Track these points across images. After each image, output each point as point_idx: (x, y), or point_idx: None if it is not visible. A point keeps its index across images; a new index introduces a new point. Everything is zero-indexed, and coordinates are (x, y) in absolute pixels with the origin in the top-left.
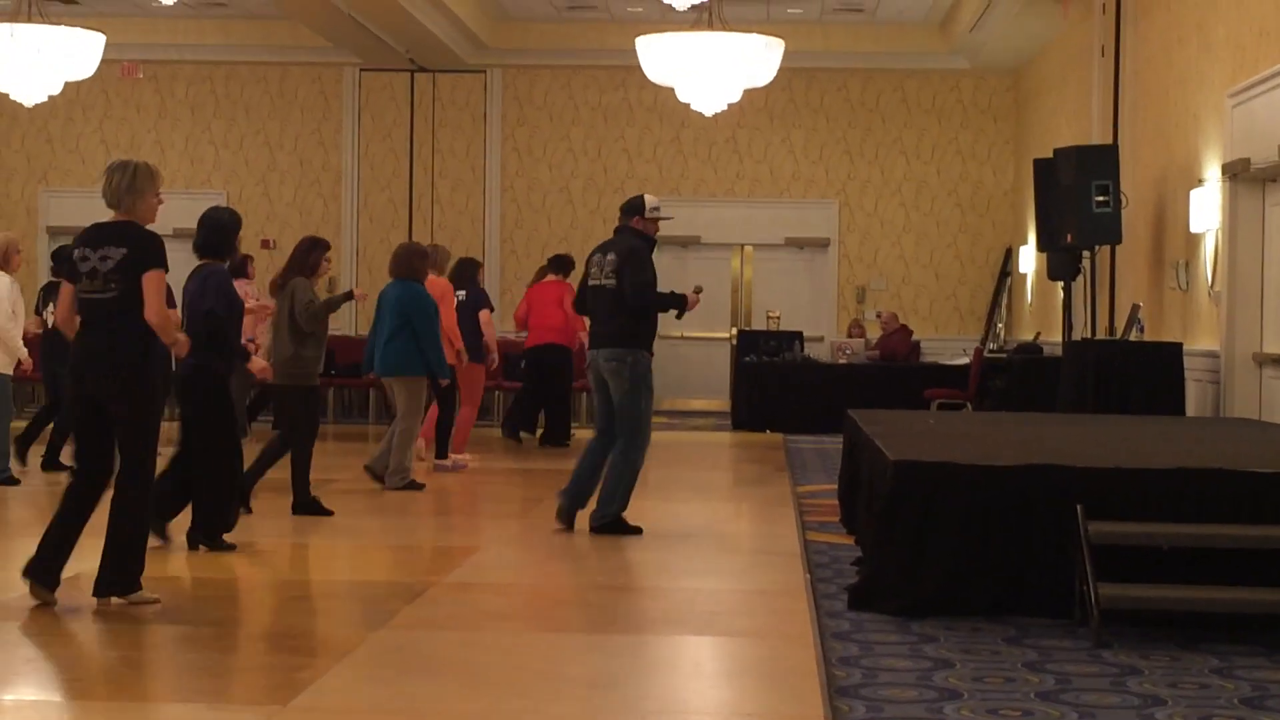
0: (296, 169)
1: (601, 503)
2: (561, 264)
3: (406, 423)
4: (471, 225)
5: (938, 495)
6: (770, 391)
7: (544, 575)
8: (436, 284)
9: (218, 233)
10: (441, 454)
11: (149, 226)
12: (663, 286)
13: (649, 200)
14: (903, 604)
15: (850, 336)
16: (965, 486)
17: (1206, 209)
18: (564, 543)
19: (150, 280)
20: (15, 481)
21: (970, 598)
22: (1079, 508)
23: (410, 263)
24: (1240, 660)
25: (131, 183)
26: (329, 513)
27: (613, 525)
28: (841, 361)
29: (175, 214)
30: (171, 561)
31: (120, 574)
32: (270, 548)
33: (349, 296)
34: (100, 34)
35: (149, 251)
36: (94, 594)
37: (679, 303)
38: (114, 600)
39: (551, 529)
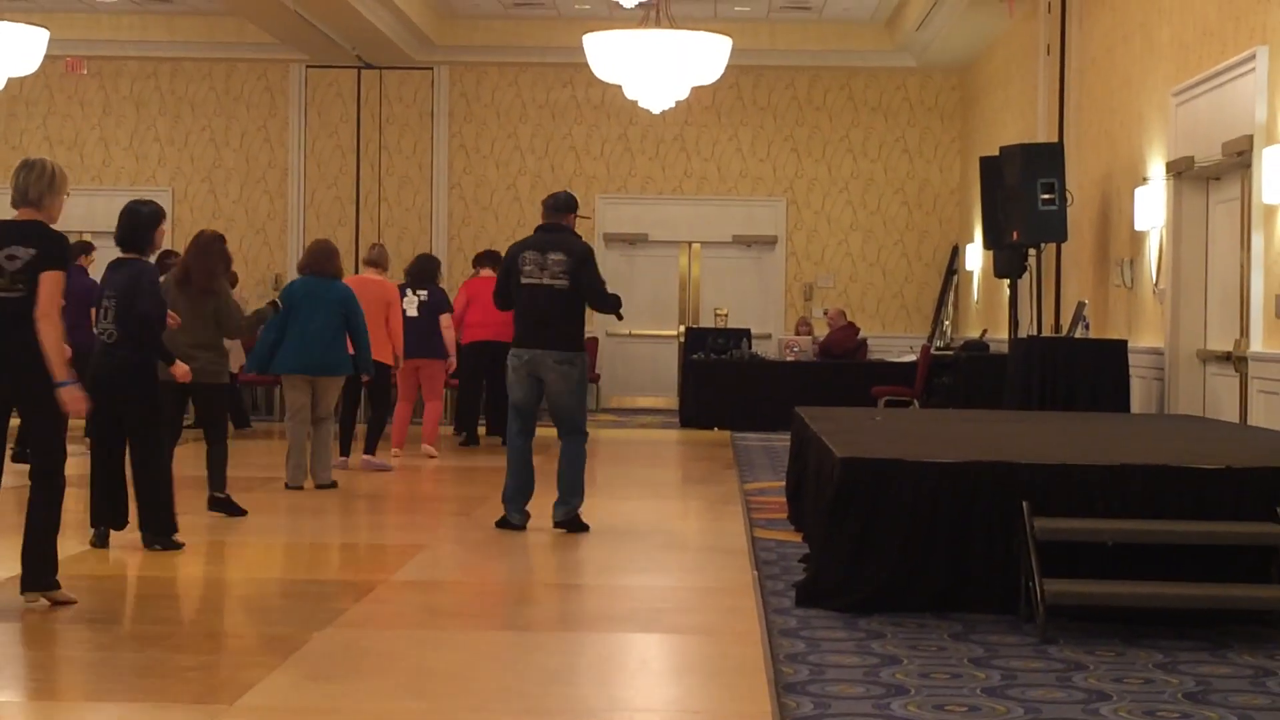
0: (242, 166)
1: (565, 497)
2: (496, 259)
3: (330, 419)
4: (419, 222)
5: (884, 492)
6: (718, 389)
7: (491, 573)
8: (386, 285)
9: (134, 227)
10: (370, 450)
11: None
12: (610, 285)
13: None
14: (850, 600)
15: (798, 334)
16: (912, 483)
17: (1151, 207)
18: (510, 541)
19: (49, 280)
20: None
21: (917, 594)
22: (1024, 504)
23: (334, 261)
24: (1184, 655)
25: (51, 181)
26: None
27: (577, 521)
28: (789, 359)
29: (119, 211)
30: (114, 561)
31: (46, 570)
32: (213, 546)
33: (275, 308)
34: (44, 29)
35: (56, 253)
36: (21, 591)
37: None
38: (41, 598)
39: (496, 526)
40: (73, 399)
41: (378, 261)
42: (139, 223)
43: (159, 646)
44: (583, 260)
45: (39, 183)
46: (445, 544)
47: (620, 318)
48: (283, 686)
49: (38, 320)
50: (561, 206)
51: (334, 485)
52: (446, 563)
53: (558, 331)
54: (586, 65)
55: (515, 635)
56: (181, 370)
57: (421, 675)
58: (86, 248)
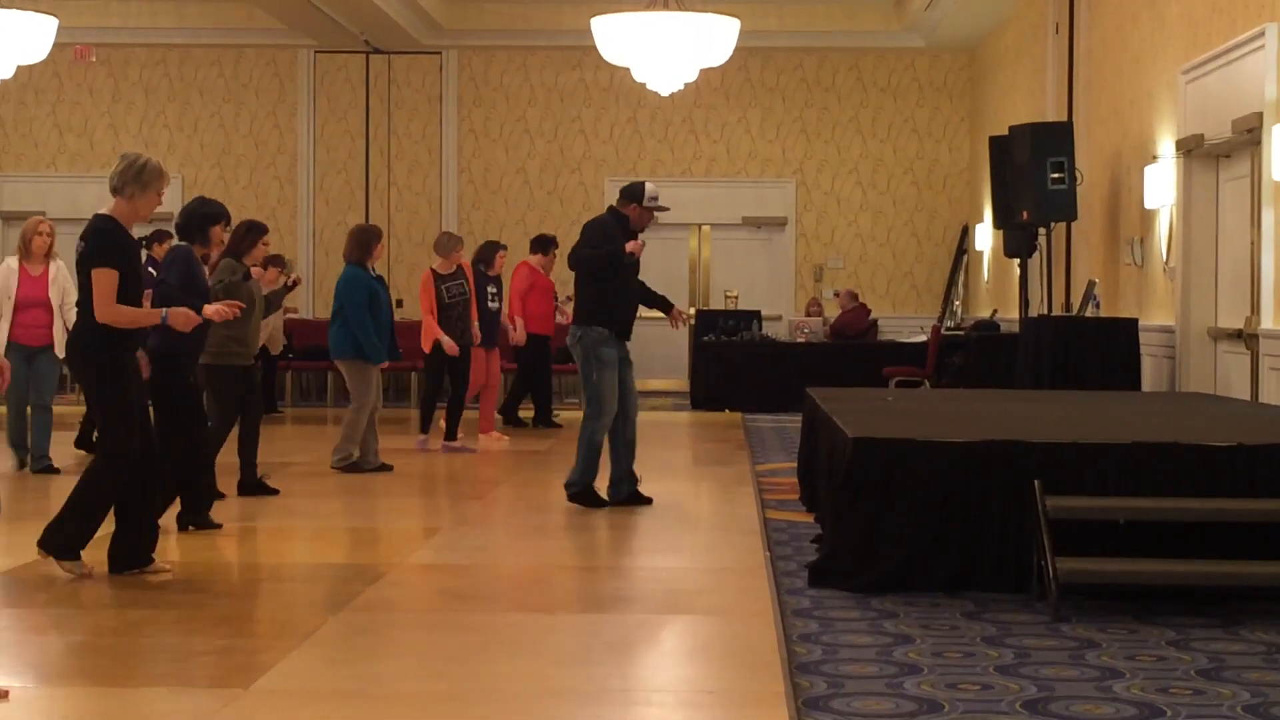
0: (252, 152)
1: (571, 472)
2: (540, 242)
3: (355, 403)
4: (429, 207)
5: (896, 472)
6: (729, 371)
7: (505, 556)
8: (426, 274)
9: (185, 218)
10: (450, 435)
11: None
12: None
13: (650, 189)
14: (862, 580)
15: (808, 315)
16: (923, 463)
17: (1161, 185)
18: (524, 523)
19: (96, 279)
20: (57, 470)
21: (929, 573)
22: (1036, 483)
23: (357, 245)
24: (1197, 632)
25: (139, 174)
26: (274, 491)
27: (581, 495)
28: (800, 340)
29: None
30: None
31: (58, 537)
32: (228, 531)
33: (288, 288)
34: (53, 17)
35: (97, 248)
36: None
37: (615, 258)
38: (50, 560)
39: (512, 509)
40: (177, 317)
41: (435, 248)
42: (187, 215)
43: (175, 631)
44: (584, 229)
45: (125, 173)
46: (460, 527)
47: (626, 278)
48: (299, 670)
49: (103, 321)
50: (620, 194)
51: (357, 469)
52: (461, 546)
53: (576, 305)
54: (595, 48)
55: (530, 617)
56: (211, 309)
57: (436, 657)
58: (162, 236)
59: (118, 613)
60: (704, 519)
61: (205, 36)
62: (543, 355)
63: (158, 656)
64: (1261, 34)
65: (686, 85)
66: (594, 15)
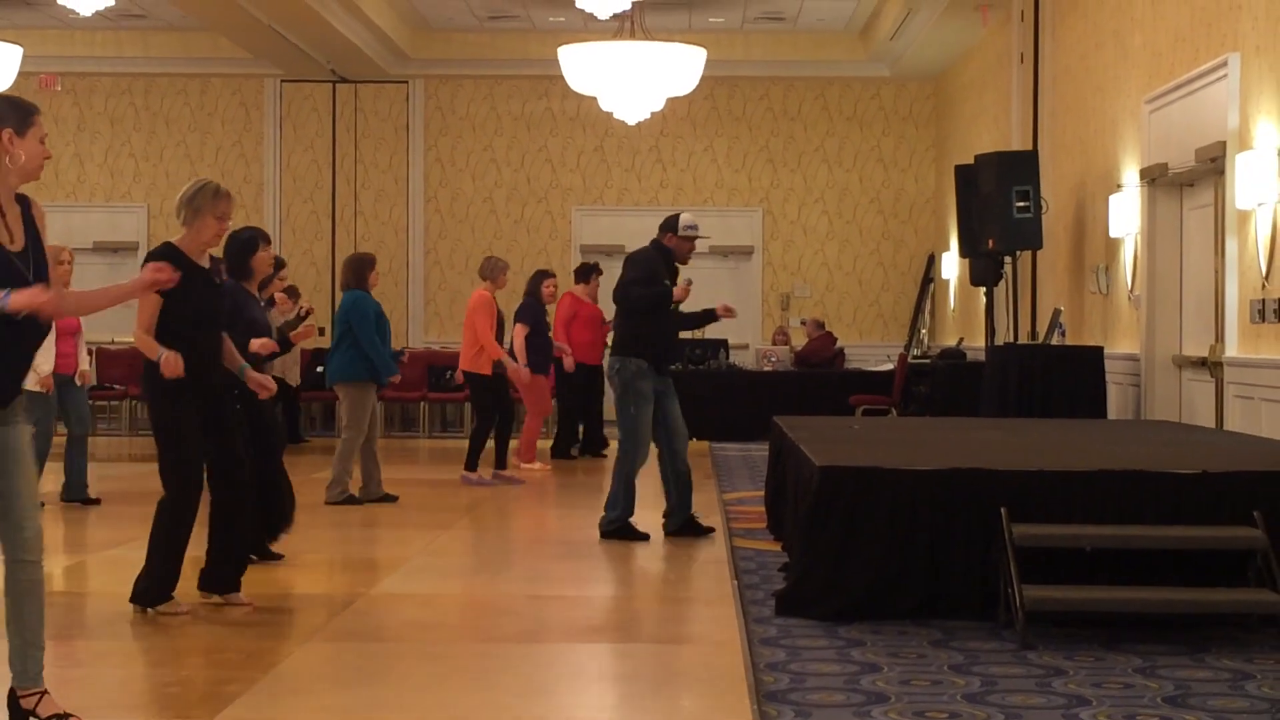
0: (218, 181)
1: (606, 508)
2: (579, 273)
3: (349, 433)
4: (395, 236)
5: (863, 500)
6: (696, 399)
7: (471, 585)
8: (475, 296)
9: (226, 258)
10: (500, 464)
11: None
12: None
13: (684, 219)
14: (830, 609)
15: (775, 344)
16: (890, 491)
17: (1125, 214)
18: (489, 553)
19: (143, 298)
20: (95, 501)
21: (896, 601)
22: (1003, 510)
23: (353, 272)
24: (1163, 659)
25: (192, 199)
26: None
27: (619, 530)
28: (767, 369)
29: (94, 228)
30: (91, 577)
31: (153, 581)
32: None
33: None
34: (17, 46)
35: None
36: (131, 600)
37: (663, 299)
38: (148, 611)
39: (481, 539)
40: (166, 361)
41: (480, 273)
42: (231, 258)
43: (140, 661)
44: (627, 263)
45: (181, 199)
46: (426, 556)
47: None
48: (263, 701)
49: (136, 341)
50: (659, 228)
51: (354, 502)
52: (427, 575)
53: (614, 338)
54: (561, 77)
55: (496, 647)
56: (258, 342)
57: (403, 688)
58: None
59: (83, 644)
60: (671, 548)
61: (171, 66)
62: (592, 384)
63: (123, 687)
64: (1224, 64)
65: (653, 114)
66: (560, 44)
